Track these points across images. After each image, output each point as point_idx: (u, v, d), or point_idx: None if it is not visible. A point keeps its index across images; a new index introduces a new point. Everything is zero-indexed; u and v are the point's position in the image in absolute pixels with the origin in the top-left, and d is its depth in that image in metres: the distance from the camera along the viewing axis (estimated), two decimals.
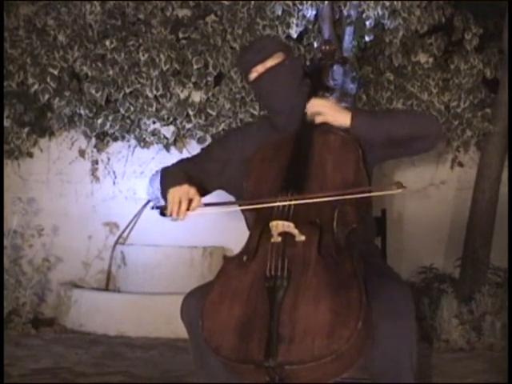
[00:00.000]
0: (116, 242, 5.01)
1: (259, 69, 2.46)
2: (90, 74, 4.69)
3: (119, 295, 4.79)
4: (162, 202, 5.71)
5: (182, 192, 2.31)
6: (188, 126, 4.76)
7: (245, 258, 2.18)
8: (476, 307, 4.43)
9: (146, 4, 4.88)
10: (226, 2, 4.84)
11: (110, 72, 4.67)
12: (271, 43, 2.57)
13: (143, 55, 4.67)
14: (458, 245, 5.02)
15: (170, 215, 2.29)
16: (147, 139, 4.86)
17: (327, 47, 2.67)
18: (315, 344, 1.93)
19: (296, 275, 2.06)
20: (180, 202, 2.29)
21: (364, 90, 4.93)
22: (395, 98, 4.89)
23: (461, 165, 5.37)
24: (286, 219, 2.17)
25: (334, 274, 2.06)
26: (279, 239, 2.15)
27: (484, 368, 3.85)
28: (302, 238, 2.14)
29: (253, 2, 4.82)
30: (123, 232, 5.04)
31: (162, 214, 2.32)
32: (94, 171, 5.09)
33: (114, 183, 5.13)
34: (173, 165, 2.61)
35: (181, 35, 4.77)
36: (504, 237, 4.79)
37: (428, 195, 5.35)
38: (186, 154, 4.73)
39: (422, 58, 4.97)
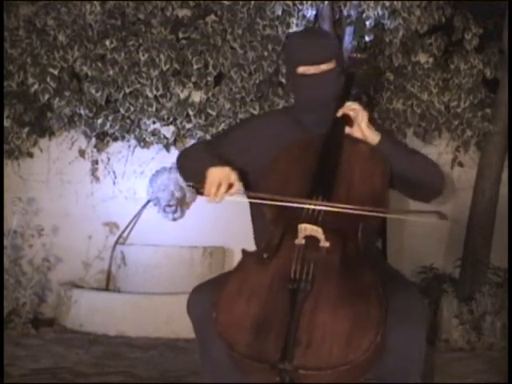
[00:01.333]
0: (116, 242, 5.00)
1: (312, 69, 2.39)
2: (89, 74, 4.69)
3: (119, 295, 4.79)
4: (162, 202, 5.68)
5: (223, 174, 2.21)
6: (188, 126, 4.75)
7: (265, 255, 2.14)
8: (476, 307, 4.43)
9: (146, 4, 4.87)
10: (226, 2, 4.84)
11: (110, 72, 4.66)
12: (332, 48, 2.45)
13: (143, 55, 4.67)
14: (458, 245, 5.01)
15: (207, 195, 2.20)
16: (147, 139, 4.86)
17: (358, 55, 2.64)
18: (333, 352, 1.92)
19: (319, 281, 2.04)
20: (220, 185, 2.19)
21: (364, 90, 4.92)
22: (395, 98, 4.90)
23: (461, 165, 5.36)
24: (315, 223, 2.14)
25: (355, 283, 2.04)
26: (303, 242, 2.12)
27: (484, 368, 3.85)
28: (327, 244, 2.12)
29: (253, 2, 4.82)
30: (123, 232, 5.04)
31: (199, 192, 2.22)
32: (94, 171, 5.09)
33: (114, 183, 5.12)
34: (197, 146, 2.54)
35: (181, 35, 4.77)
36: (504, 237, 4.79)
37: None
38: None
39: (422, 58, 4.97)
